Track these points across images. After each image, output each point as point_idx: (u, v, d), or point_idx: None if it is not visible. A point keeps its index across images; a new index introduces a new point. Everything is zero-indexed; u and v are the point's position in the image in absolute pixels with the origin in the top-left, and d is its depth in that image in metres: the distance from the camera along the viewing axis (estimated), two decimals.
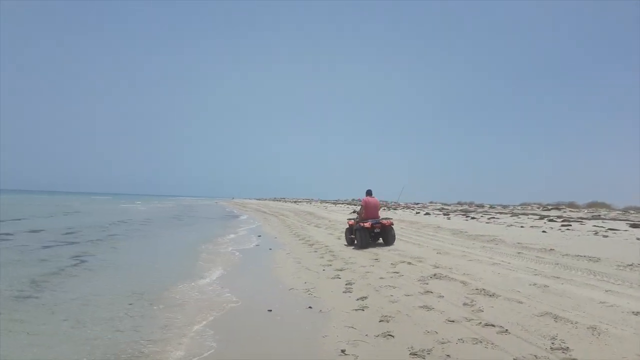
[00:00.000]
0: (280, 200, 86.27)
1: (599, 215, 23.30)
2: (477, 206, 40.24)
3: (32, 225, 19.59)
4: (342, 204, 56.88)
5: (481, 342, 4.32)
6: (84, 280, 8.13)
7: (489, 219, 22.36)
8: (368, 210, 12.45)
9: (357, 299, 6.31)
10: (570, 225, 17.13)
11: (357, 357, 4.16)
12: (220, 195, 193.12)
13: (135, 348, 4.61)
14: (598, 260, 8.73)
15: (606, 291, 6.16)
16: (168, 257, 11.44)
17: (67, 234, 16.43)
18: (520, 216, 23.67)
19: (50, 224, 20.59)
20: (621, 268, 7.91)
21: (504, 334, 4.53)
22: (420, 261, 9.17)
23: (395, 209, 35.31)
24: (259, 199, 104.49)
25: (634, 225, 16.48)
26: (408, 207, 39.32)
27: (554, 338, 4.32)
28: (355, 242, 12.28)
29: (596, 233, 14.24)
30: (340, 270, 8.67)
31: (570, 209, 31.07)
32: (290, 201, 79.25)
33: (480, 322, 4.93)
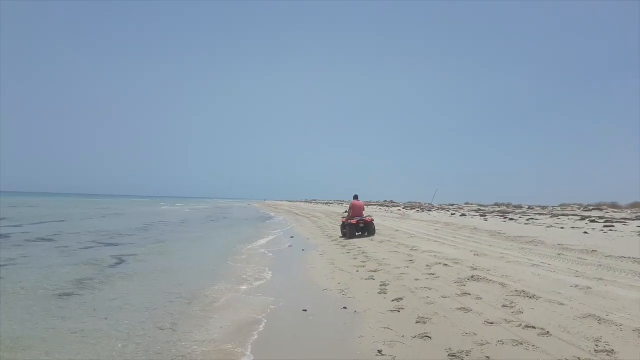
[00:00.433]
0: (311, 202, 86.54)
1: None
2: (515, 207, 39.24)
3: (72, 227, 20.39)
4: (374, 205, 56.56)
5: (521, 343, 4.23)
6: (124, 280, 8.39)
7: (527, 219, 21.76)
8: (354, 210, 16.14)
9: (392, 300, 6.27)
10: (613, 225, 16.46)
11: (394, 357, 4.14)
12: (252, 197, 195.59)
13: (173, 347, 4.73)
14: None
15: None
16: (205, 257, 11.67)
17: (106, 235, 17.02)
18: (560, 217, 22.93)
19: (91, 226, 21.36)
20: None
21: (545, 335, 4.42)
22: (457, 263, 9.03)
23: (429, 210, 34.85)
24: (290, 201, 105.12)
25: None
26: (442, 208, 38.72)
27: (597, 340, 4.18)
28: (346, 234, 15.84)
29: None
30: (374, 271, 8.64)
31: (612, 209, 29.87)
32: (321, 203, 79.41)
33: (520, 324, 4.82)
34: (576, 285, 6.56)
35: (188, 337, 5.00)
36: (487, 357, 3.97)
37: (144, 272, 9.14)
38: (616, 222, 18.06)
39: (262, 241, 16.16)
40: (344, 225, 16.24)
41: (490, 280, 7.19)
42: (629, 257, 8.86)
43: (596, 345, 4.06)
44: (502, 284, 6.83)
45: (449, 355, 4.08)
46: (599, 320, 4.81)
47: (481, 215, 26.41)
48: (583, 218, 21.14)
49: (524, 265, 8.47)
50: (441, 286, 6.97)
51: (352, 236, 15.48)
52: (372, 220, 16.43)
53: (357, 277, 8.18)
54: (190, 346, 4.72)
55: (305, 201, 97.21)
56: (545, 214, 26.21)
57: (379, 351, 4.30)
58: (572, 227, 16.66)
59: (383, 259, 10.08)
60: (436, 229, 17.91)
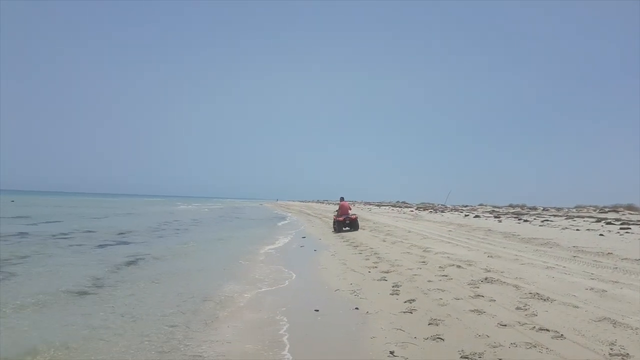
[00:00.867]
0: (323, 203, 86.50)
1: None
2: (530, 209, 38.78)
3: (86, 225, 20.67)
4: (387, 205, 56.35)
5: (535, 346, 4.20)
6: (139, 278, 8.51)
7: (542, 221, 21.50)
8: (342, 210, 19.95)
9: (405, 302, 6.27)
10: (630, 228, 16.19)
11: (407, 359, 4.14)
12: (264, 198, 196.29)
13: (184, 346, 4.80)
14: None
15: None
16: (219, 258, 11.75)
17: (120, 234, 17.23)
18: (575, 219, 22.62)
19: (104, 225, 21.64)
20: None
21: (559, 338, 4.39)
22: (470, 264, 8.98)
23: (442, 212, 34.62)
24: (302, 201, 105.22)
25: None
26: (456, 210, 38.43)
27: (612, 344, 4.14)
28: (335, 229, 19.69)
29: None
30: (387, 272, 8.63)
31: (629, 211, 29.33)
32: (333, 203, 79.34)
33: (534, 327, 4.79)
34: (591, 288, 6.49)
35: (199, 337, 5.07)
36: (500, 359, 3.96)
37: (161, 272, 9.23)
38: (633, 224, 17.77)
39: (275, 241, 16.22)
40: (334, 222, 20.05)
41: (504, 282, 7.14)
42: None
43: (611, 349, 4.02)
44: (516, 286, 6.78)
45: (461, 357, 4.08)
46: (615, 323, 4.76)
47: (495, 217, 26.17)
48: (599, 220, 20.83)
49: (539, 268, 8.39)
50: (454, 288, 6.94)
51: (340, 230, 19.24)
52: (356, 218, 20.08)
53: (369, 278, 8.18)
54: (200, 345, 4.78)
55: (317, 202, 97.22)
56: (561, 216, 25.89)
57: (391, 352, 4.31)
58: (588, 230, 16.43)
59: (395, 260, 10.06)
60: (449, 231, 17.81)
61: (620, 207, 33.41)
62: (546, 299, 5.94)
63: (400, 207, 50.38)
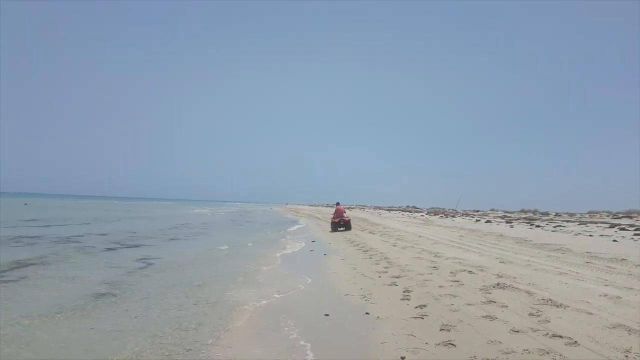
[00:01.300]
0: (333, 206, 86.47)
1: None
2: (542, 214, 38.41)
3: (99, 229, 20.88)
4: (397, 210, 56.17)
5: (548, 353, 4.16)
6: (153, 280, 8.58)
7: (554, 227, 21.30)
8: (337, 213, 23.37)
9: (416, 307, 6.23)
10: None
11: None
12: (274, 201, 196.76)
13: (195, 348, 4.84)
14: None
15: None
16: (229, 262, 11.79)
17: (133, 236, 17.38)
18: (588, 224, 22.37)
19: (120, 228, 21.84)
20: None
21: (572, 345, 4.34)
22: (482, 270, 8.92)
23: (453, 217, 34.41)
24: (311, 205, 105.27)
25: None
26: (467, 215, 38.20)
27: (627, 351, 4.08)
28: (332, 228, 23.05)
29: None
30: (397, 277, 8.59)
31: None
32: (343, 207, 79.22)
33: (547, 333, 4.74)
34: (605, 295, 6.41)
35: (208, 342, 5.09)
36: None
37: (174, 276, 9.31)
38: None
39: (285, 246, 16.24)
40: (332, 223, 23.47)
41: (517, 288, 7.08)
42: None
43: (626, 356, 3.97)
44: (529, 292, 6.72)
45: None
46: (629, 330, 4.69)
47: (507, 222, 25.97)
48: (612, 226, 20.58)
49: (552, 274, 8.31)
50: (466, 293, 6.89)
51: (335, 230, 22.77)
52: (349, 219, 23.48)
53: (379, 283, 8.15)
54: (209, 350, 4.81)
55: (327, 205, 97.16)
56: (573, 222, 25.61)
57: (402, 358, 4.28)
58: (601, 235, 16.24)
59: (406, 265, 10.02)
60: (461, 236, 17.70)
61: (634, 212, 32.96)
62: (559, 305, 5.88)
63: (410, 211, 50.23)
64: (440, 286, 7.54)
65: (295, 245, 16.28)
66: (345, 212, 23.63)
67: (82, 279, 8.59)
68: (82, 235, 17.40)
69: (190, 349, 4.76)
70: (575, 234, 17.11)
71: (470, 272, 8.75)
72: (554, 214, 38.77)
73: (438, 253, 11.82)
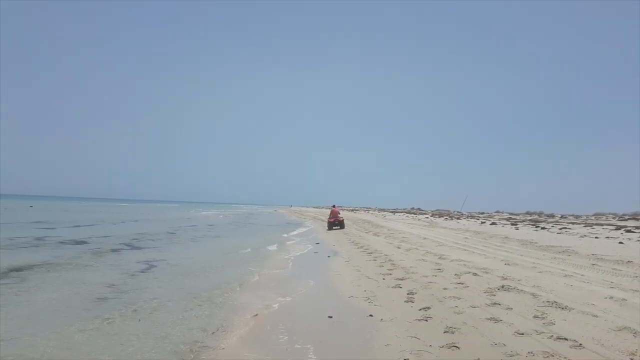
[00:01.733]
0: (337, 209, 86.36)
1: None
2: (547, 216, 38.19)
3: (109, 231, 20.97)
4: (401, 212, 56.05)
5: (553, 355, 4.13)
6: (158, 282, 8.61)
7: (560, 229, 21.16)
8: (332, 214, 27.48)
9: (420, 309, 6.21)
10: None
11: None
12: (278, 203, 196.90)
13: (199, 347, 4.85)
14: None
15: None
16: (233, 262, 11.81)
17: (136, 239, 17.43)
18: (594, 226, 22.21)
19: (130, 230, 21.92)
20: None
21: (577, 348, 4.31)
22: (487, 272, 8.88)
23: (458, 219, 34.30)
24: (316, 207, 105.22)
25: None
26: (472, 217, 38.05)
27: (633, 354, 4.05)
28: (328, 227, 26.82)
29: None
30: (401, 279, 8.57)
31: None
32: (347, 209, 79.22)
33: (552, 336, 4.71)
34: (611, 297, 6.36)
35: (213, 344, 5.10)
36: None
37: (181, 278, 9.33)
38: None
39: (291, 247, 16.27)
40: (328, 223, 27.29)
41: (522, 290, 7.05)
42: None
43: (631, 359, 3.94)
44: (534, 295, 6.68)
45: None
46: (635, 333, 4.66)
47: (512, 224, 25.83)
48: (618, 228, 20.43)
49: (557, 276, 8.26)
50: (470, 296, 6.86)
51: (330, 229, 26.49)
52: (343, 219, 27.64)
53: (383, 285, 8.13)
54: (214, 350, 4.82)
55: (332, 207, 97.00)
56: (579, 224, 25.46)
57: None
58: (607, 237, 16.12)
59: (410, 267, 9.99)
60: (466, 238, 17.64)
61: None
62: (564, 308, 5.84)
63: (415, 213, 50.08)
64: (445, 288, 7.51)
65: (300, 248, 16.30)
66: (339, 213, 27.98)
67: (87, 281, 8.63)
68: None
69: (196, 350, 4.78)
70: (581, 236, 17.01)
71: (475, 274, 8.72)
72: (560, 216, 38.57)
73: (443, 255, 11.79)
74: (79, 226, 24.24)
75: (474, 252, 12.43)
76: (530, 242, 14.98)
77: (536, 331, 4.91)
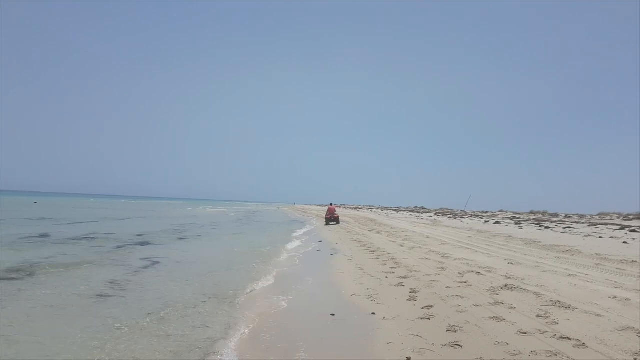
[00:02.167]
0: (340, 207, 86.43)
1: None
2: (551, 215, 38.06)
3: (116, 227, 21.04)
4: (405, 211, 55.98)
5: (556, 355, 4.12)
6: (162, 280, 8.63)
7: (564, 228, 21.09)
8: (329, 211, 30.98)
9: (423, 308, 6.20)
10: None
11: None
12: (282, 201, 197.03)
13: (205, 345, 4.85)
14: None
15: None
16: (236, 260, 11.82)
17: (140, 235, 17.48)
18: (598, 226, 22.13)
19: (140, 226, 22.00)
20: None
21: (581, 347, 4.29)
22: (490, 271, 8.86)
23: (461, 218, 34.23)
24: (319, 205, 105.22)
25: None
26: (476, 216, 37.94)
27: (636, 354, 4.03)
28: (325, 222, 30.33)
29: None
30: (404, 278, 8.56)
31: None
32: (350, 208, 79.24)
33: (555, 335, 4.70)
34: (615, 297, 6.33)
35: (213, 337, 5.12)
36: None
37: (180, 273, 9.36)
38: None
39: (292, 244, 16.29)
40: (325, 219, 30.81)
41: (525, 289, 7.02)
42: None
43: (635, 358, 3.92)
44: (537, 294, 6.66)
45: None
46: (639, 333, 4.64)
47: (516, 224, 25.76)
48: (623, 228, 20.34)
49: (560, 275, 8.23)
50: (473, 295, 6.85)
51: (327, 224, 29.84)
52: (338, 216, 31.12)
53: (386, 284, 8.13)
54: (213, 345, 4.84)
55: (335, 206, 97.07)
56: (583, 223, 25.36)
57: (408, 358, 4.27)
58: (611, 237, 16.05)
59: (413, 265, 9.98)
60: (469, 237, 17.60)
61: None
62: (568, 307, 5.82)
63: (418, 212, 50.01)
64: (448, 287, 7.50)
65: (303, 246, 16.31)
66: (335, 211, 31.39)
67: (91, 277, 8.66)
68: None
69: (198, 345, 4.79)
70: (585, 236, 16.94)
71: (478, 273, 8.70)
72: (564, 215, 38.42)
73: (446, 254, 11.77)
74: (83, 222, 24.31)
75: (477, 251, 12.40)
76: (534, 242, 14.94)
77: (539, 330, 4.90)
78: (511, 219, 31.76)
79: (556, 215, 38.30)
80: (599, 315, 5.39)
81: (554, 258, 10.75)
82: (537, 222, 26.51)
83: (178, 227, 24.56)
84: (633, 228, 19.53)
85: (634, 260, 9.88)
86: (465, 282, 7.82)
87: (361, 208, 75.13)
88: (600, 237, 16.11)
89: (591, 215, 37.64)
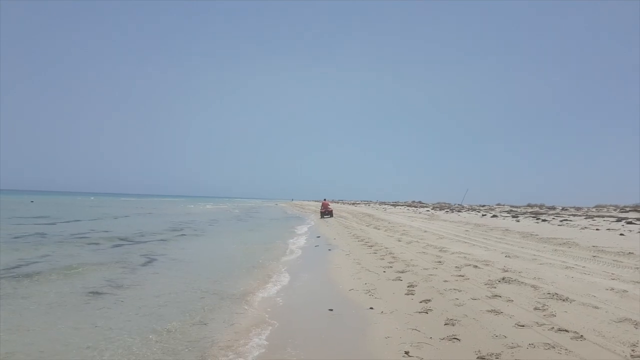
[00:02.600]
0: (337, 202, 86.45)
1: None
2: (548, 208, 38.17)
3: (106, 226, 20.99)
4: (402, 205, 56.03)
5: (554, 347, 4.12)
6: (161, 277, 8.61)
7: (561, 221, 21.14)
8: (323, 205, 34.45)
9: (420, 302, 6.20)
10: None
11: (422, 359, 4.09)
12: (280, 197, 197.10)
13: (206, 346, 4.84)
14: None
15: None
16: (233, 257, 11.81)
17: (140, 234, 17.44)
18: (595, 218, 22.19)
19: (142, 223, 21.95)
20: None
21: (578, 339, 4.29)
22: (488, 264, 8.87)
23: (459, 212, 34.29)
24: (316, 201, 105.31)
25: None
26: (473, 209, 38.01)
27: (634, 345, 4.03)
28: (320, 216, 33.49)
29: None
30: (402, 272, 8.56)
31: None
32: (348, 203, 79.29)
33: (553, 327, 4.69)
34: (612, 289, 6.35)
35: (214, 330, 5.10)
36: None
37: (178, 271, 9.34)
38: None
39: (290, 240, 16.28)
40: (320, 213, 33.86)
41: (522, 282, 7.03)
42: None
43: (632, 350, 3.92)
44: (535, 287, 6.66)
45: (478, 358, 4.01)
46: (636, 324, 4.64)
47: (513, 217, 25.81)
48: (619, 220, 20.40)
49: (557, 268, 8.25)
50: (471, 288, 6.85)
51: (322, 217, 32.70)
52: (332, 210, 34.22)
53: (384, 278, 8.12)
54: (212, 335, 4.82)
55: (332, 201, 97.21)
56: (580, 216, 25.44)
57: (406, 352, 4.26)
58: (608, 229, 16.10)
59: (411, 260, 9.97)
60: (466, 231, 17.62)
61: None
62: (565, 300, 5.83)
63: (416, 206, 50.06)
64: (445, 281, 7.50)
65: (301, 241, 16.34)
66: (329, 205, 34.63)
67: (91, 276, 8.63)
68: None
69: (201, 338, 4.78)
70: (582, 228, 16.99)
71: (476, 266, 8.70)
72: (561, 208, 38.54)
73: (443, 248, 11.78)
74: (81, 221, 24.23)
75: (474, 245, 12.42)
76: (531, 235, 14.97)
77: (537, 323, 4.90)
78: (508, 212, 31.82)
79: (553, 208, 38.42)
80: (596, 307, 5.39)
81: (551, 251, 10.77)
82: (534, 215, 26.57)
83: (177, 224, 24.48)
84: (630, 220, 19.58)
85: (631, 252, 9.91)
86: (463, 276, 7.82)
87: (358, 203, 75.19)
88: (597, 230, 16.16)
89: (588, 208, 37.78)
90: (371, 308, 6.09)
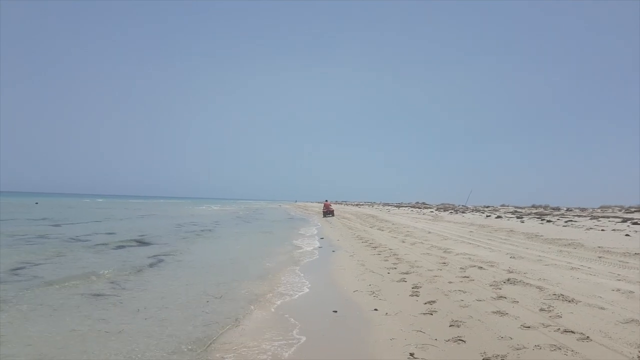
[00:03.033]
0: (341, 204, 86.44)
1: None
2: (553, 209, 38.04)
3: (109, 227, 21.04)
4: (406, 206, 55.94)
5: (560, 348, 4.09)
6: (163, 279, 8.62)
7: (566, 222, 21.05)
8: (325, 206, 38.49)
9: (425, 303, 6.18)
10: None
11: None
12: (283, 199, 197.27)
13: (204, 344, 4.83)
14: None
15: None
16: (236, 259, 11.82)
17: (141, 235, 17.46)
18: (600, 219, 22.09)
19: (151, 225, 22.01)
20: None
21: (584, 340, 4.27)
22: (492, 266, 8.83)
23: (463, 212, 34.21)
24: (320, 202, 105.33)
25: None
26: (477, 210, 37.91)
27: None
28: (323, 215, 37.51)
29: None
30: (406, 273, 8.54)
31: None
32: (352, 204, 79.27)
33: (559, 329, 4.67)
34: (618, 290, 6.31)
35: (217, 331, 5.10)
36: None
37: (181, 273, 9.35)
38: None
39: (294, 242, 16.27)
40: (323, 213, 37.35)
41: (527, 283, 7.00)
42: None
43: (639, 351, 3.90)
44: (540, 288, 6.64)
45: (483, 359, 3.99)
46: None
47: (518, 218, 25.73)
48: (625, 220, 20.31)
49: (563, 269, 8.21)
50: (476, 289, 6.82)
51: (324, 216, 36.18)
52: (333, 210, 38.12)
53: (388, 280, 8.10)
54: (220, 337, 4.81)
55: (336, 203, 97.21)
56: (585, 216, 25.32)
57: (411, 354, 4.24)
58: (614, 230, 16.02)
59: (415, 261, 9.95)
60: (470, 232, 17.57)
61: None
62: (571, 301, 5.80)
63: (420, 208, 49.99)
64: (450, 282, 7.47)
65: (305, 242, 16.31)
66: (331, 206, 38.31)
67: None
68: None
69: (204, 340, 4.78)
70: (587, 229, 16.91)
71: (481, 267, 8.67)
72: (565, 209, 38.39)
73: (448, 249, 11.75)
74: (86, 223, 24.31)
75: (479, 246, 12.38)
76: (536, 235, 14.92)
77: (543, 324, 4.87)
78: (513, 213, 31.73)
79: (558, 208, 38.28)
80: (602, 308, 5.36)
81: (556, 251, 10.73)
82: (538, 216, 26.47)
83: (182, 225, 24.53)
84: (635, 220, 19.48)
85: (637, 252, 9.86)
86: (468, 277, 7.80)
87: (362, 204, 75.13)
88: (602, 230, 16.09)
89: (593, 209, 37.63)
90: (375, 309, 6.07)
